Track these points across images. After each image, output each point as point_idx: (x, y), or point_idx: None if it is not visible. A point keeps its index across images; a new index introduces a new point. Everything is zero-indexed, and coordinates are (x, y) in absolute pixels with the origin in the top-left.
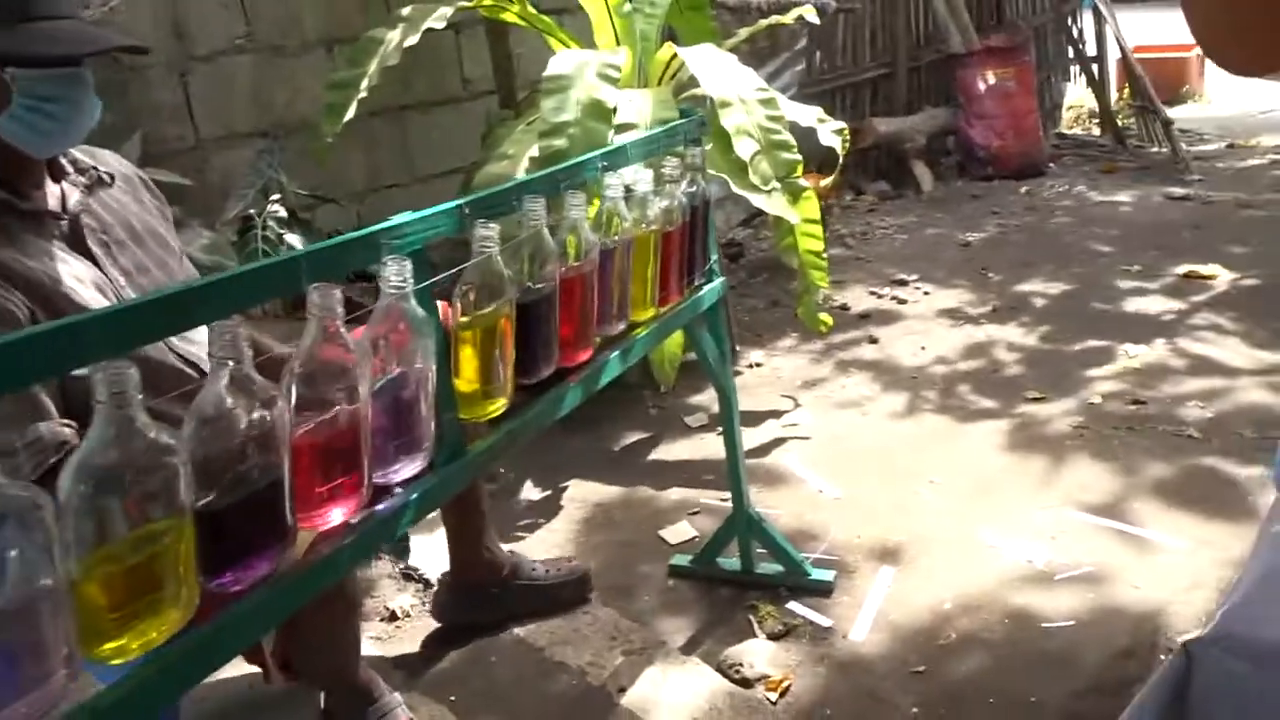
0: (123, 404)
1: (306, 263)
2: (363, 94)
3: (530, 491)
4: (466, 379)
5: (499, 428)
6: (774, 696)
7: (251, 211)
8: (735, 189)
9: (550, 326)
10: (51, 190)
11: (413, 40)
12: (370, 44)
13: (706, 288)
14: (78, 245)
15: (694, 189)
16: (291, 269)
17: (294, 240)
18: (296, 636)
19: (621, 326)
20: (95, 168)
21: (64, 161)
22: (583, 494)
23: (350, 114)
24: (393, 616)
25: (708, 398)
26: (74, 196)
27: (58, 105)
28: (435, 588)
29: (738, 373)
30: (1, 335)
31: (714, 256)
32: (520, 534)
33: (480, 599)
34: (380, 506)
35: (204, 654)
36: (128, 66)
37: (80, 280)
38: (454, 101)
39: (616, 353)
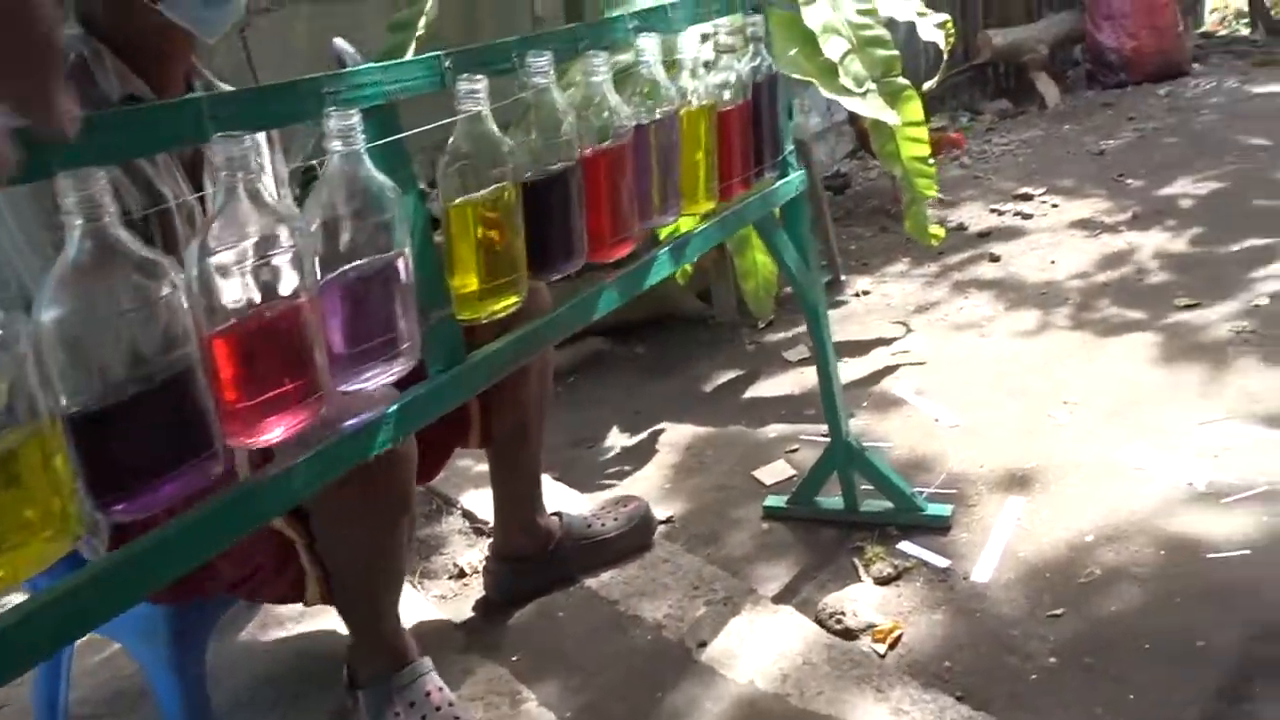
0: None
1: (210, 106)
2: (420, 31)
3: (617, 438)
4: (461, 272)
5: (510, 332)
6: (882, 648)
7: (313, 162)
8: (824, 93)
9: (569, 213)
10: None
11: None
12: None
13: (780, 181)
14: (194, 172)
15: (757, 62)
16: (192, 113)
17: None
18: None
19: (670, 219)
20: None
21: (197, 83)
22: (673, 438)
23: (410, 54)
24: (460, 574)
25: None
26: None
27: None
28: (485, 565)
29: (843, 302)
30: None
31: (789, 147)
32: (607, 482)
33: (531, 569)
34: (351, 421)
35: (91, 597)
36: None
37: (178, 208)
38: None
39: (666, 250)
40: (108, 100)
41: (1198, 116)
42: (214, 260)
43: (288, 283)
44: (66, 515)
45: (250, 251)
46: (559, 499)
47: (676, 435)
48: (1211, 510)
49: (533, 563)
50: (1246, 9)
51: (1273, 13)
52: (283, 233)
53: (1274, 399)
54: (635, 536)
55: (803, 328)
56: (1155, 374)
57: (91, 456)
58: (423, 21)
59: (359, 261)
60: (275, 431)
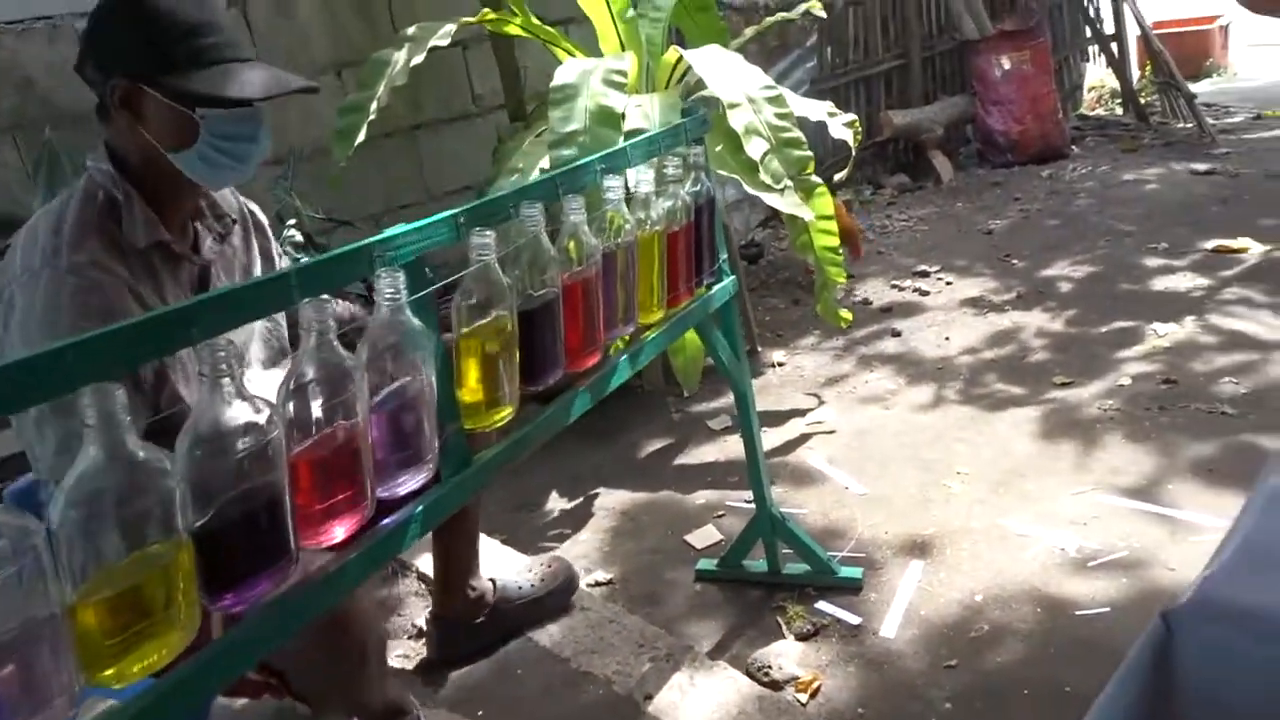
0: (111, 425)
1: (297, 278)
2: (372, 116)
3: (556, 502)
4: (470, 389)
5: (506, 437)
6: (804, 698)
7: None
8: (747, 189)
9: (554, 333)
10: (188, 231)
11: (419, 59)
12: (377, 65)
13: (716, 287)
14: (203, 292)
15: (698, 188)
16: (282, 286)
17: None
18: (302, 671)
19: (630, 330)
20: (228, 215)
21: (203, 204)
22: (609, 503)
23: (361, 137)
24: (420, 633)
25: (731, 400)
26: (207, 241)
27: (240, 144)
28: (425, 628)
29: (760, 373)
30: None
31: (723, 255)
32: (548, 545)
33: (470, 631)
34: (385, 521)
35: (208, 674)
36: None
37: None
38: (465, 118)
39: (625, 356)
40: (133, 246)
41: (1074, 200)
42: (298, 398)
43: (349, 411)
44: (193, 605)
45: (323, 389)
46: (504, 561)
47: (612, 500)
48: (1080, 573)
49: (468, 626)
50: (1120, 90)
51: (1142, 98)
52: (347, 375)
53: (1133, 472)
54: (562, 594)
55: (724, 399)
56: (1035, 447)
57: (208, 562)
58: (373, 106)
59: (396, 385)
60: (336, 532)
